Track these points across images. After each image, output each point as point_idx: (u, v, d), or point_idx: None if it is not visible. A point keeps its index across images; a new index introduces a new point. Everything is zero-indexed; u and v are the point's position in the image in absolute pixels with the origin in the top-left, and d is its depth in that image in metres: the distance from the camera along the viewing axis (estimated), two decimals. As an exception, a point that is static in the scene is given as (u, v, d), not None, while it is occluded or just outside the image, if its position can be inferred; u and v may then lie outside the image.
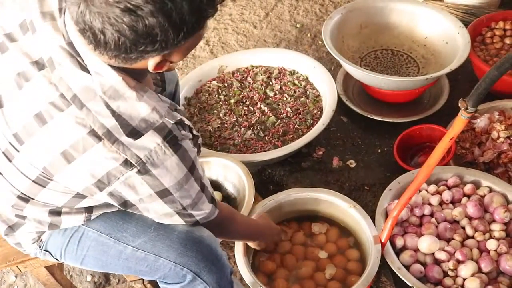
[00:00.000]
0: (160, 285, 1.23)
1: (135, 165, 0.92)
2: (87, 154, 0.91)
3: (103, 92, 0.90)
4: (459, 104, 1.06)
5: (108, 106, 0.90)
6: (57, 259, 1.24)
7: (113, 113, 0.91)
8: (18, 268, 1.41)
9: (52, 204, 1.08)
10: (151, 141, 0.92)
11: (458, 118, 1.11)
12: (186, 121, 1.00)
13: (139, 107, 0.92)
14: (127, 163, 0.92)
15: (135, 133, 0.91)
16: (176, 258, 1.14)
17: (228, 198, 1.70)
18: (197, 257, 1.15)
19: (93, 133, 0.90)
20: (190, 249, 1.14)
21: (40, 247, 1.20)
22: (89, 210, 1.13)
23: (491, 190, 1.57)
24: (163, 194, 0.99)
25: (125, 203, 1.01)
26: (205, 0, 0.83)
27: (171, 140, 0.94)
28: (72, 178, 0.97)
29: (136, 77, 0.95)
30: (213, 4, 0.85)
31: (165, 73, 1.49)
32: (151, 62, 0.89)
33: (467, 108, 1.05)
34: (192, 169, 1.00)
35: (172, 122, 0.94)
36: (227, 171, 1.69)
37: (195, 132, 1.04)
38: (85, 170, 0.94)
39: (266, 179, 1.90)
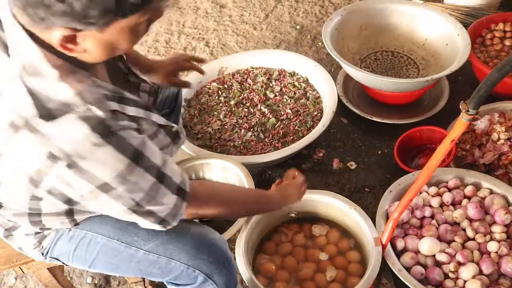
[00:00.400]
0: (168, 286, 1.24)
1: (61, 158, 0.84)
2: (11, 149, 0.86)
3: (23, 70, 0.83)
4: (460, 107, 1.06)
5: (24, 85, 0.83)
6: (63, 263, 1.24)
7: (29, 91, 0.82)
8: (21, 269, 1.40)
9: (17, 209, 1.05)
10: (77, 131, 0.83)
11: (459, 120, 1.11)
12: (131, 112, 0.92)
13: (60, 87, 0.83)
14: (52, 157, 0.84)
15: (52, 116, 0.82)
16: (188, 261, 1.14)
17: (228, 200, 1.70)
18: (209, 260, 1.15)
19: (13, 125, 0.84)
20: (202, 251, 1.15)
21: (43, 254, 1.20)
22: (69, 213, 1.09)
23: (491, 192, 1.57)
24: (105, 188, 0.90)
25: (70, 201, 0.94)
26: None
27: (102, 130, 0.85)
28: (8, 177, 0.93)
29: (77, 63, 0.88)
30: None
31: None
32: (56, 34, 0.80)
33: (468, 111, 1.05)
34: (136, 158, 0.90)
35: (100, 111, 0.85)
36: (228, 172, 1.69)
37: (162, 122, 1.00)
38: (15, 167, 0.89)
39: (266, 181, 1.90)
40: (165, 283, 1.24)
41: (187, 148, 1.79)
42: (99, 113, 0.85)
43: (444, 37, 2.02)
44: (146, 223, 1.02)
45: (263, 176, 1.92)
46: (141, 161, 0.91)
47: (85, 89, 0.85)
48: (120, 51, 0.90)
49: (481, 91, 1.00)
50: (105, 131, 0.85)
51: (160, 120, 1.04)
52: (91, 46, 0.84)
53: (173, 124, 1.07)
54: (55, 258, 1.22)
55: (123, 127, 0.89)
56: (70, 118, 0.82)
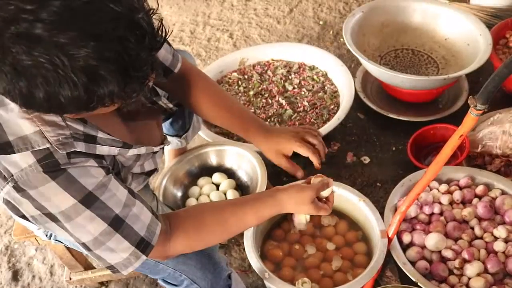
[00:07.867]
0: (158, 281, 1.29)
1: (9, 180, 0.82)
2: None
3: None
4: (469, 102, 1.07)
5: None
6: (67, 246, 1.30)
7: None
8: (37, 240, 1.47)
9: None
10: (23, 160, 0.81)
11: (468, 116, 1.12)
12: (101, 152, 0.89)
13: (20, 124, 0.81)
14: (2, 176, 0.83)
15: (7, 147, 0.81)
16: (175, 265, 1.18)
17: (241, 186, 1.74)
18: (196, 266, 1.19)
19: None
20: (190, 258, 1.18)
21: (46, 235, 1.25)
22: None
23: (503, 193, 1.57)
24: (52, 218, 0.86)
25: (24, 216, 0.92)
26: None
27: (48, 165, 0.81)
28: None
29: None
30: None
31: None
32: None
33: (476, 106, 1.06)
34: (87, 201, 0.85)
35: (60, 151, 0.82)
36: (241, 159, 1.73)
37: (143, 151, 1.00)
38: None
39: (279, 171, 1.90)
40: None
41: (204, 134, 1.84)
42: (54, 151, 0.82)
43: (465, 37, 2.01)
44: (96, 260, 0.96)
45: (276, 166, 1.94)
46: (92, 205, 0.86)
47: (50, 128, 0.82)
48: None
49: (489, 86, 1.01)
50: (51, 166, 0.82)
51: (142, 150, 1.03)
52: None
53: (171, 105, 1.11)
54: (59, 241, 1.27)
55: (76, 164, 0.84)
56: (27, 152, 0.81)
